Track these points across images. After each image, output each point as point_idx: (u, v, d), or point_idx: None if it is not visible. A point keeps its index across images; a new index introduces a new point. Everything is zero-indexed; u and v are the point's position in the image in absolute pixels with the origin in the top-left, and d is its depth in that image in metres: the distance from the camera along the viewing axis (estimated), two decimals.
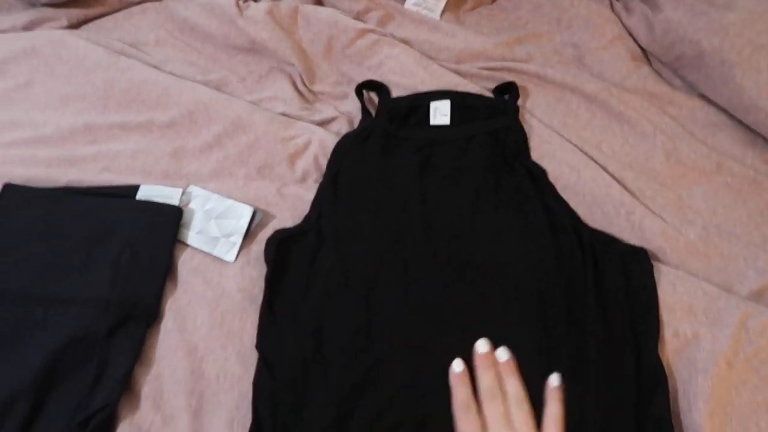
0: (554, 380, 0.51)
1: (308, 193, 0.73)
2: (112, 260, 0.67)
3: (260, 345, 0.63)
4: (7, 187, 0.73)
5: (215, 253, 0.69)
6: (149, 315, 0.65)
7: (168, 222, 0.70)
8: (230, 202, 0.72)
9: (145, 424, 0.59)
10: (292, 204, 0.73)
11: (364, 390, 0.60)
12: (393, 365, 0.61)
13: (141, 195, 0.72)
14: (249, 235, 0.70)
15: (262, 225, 0.71)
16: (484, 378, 0.50)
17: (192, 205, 0.72)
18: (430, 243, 0.68)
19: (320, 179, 0.74)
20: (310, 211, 0.71)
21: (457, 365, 0.52)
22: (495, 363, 0.51)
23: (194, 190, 0.73)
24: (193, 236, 0.70)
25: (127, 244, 0.68)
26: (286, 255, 0.68)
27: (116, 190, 0.73)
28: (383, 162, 0.73)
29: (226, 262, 0.69)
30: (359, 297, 0.65)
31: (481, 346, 0.52)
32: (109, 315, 0.63)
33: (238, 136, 0.77)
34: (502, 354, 0.52)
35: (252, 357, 0.62)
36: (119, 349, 0.62)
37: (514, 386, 0.50)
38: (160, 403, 0.61)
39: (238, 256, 0.69)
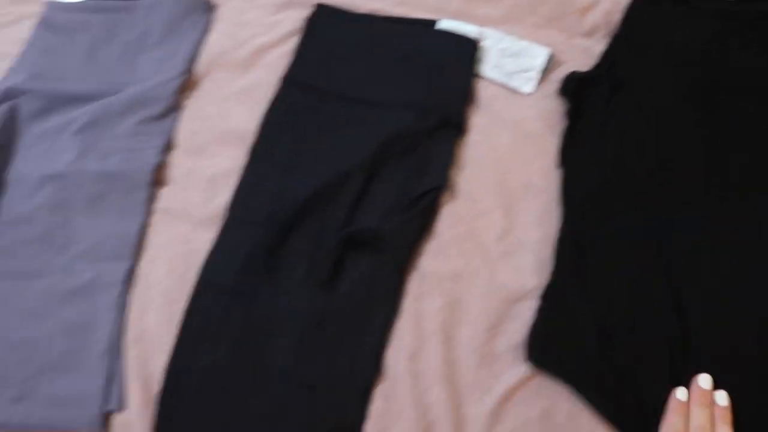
0: (722, 400, 0.53)
1: (596, 46, 0.77)
2: (423, 74, 0.74)
3: (564, 163, 0.69)
4: (321, 6, 0.80)
5: (512, 84, 0.75)
6: (458, 126, 0.72)
7: (468, 50, 0.76)
8: (525, 43, 0.77)
9: (462, 213, 0.67)
10: (580, 54, 0.77)
11: (671, 225, 0.64)
12: (687, 208, 0.65)
13: (439, 27, 0.79)
14: (543, 75, 0.76)
15: (552, 69, 0.77)
16: (700, 415, 0.52)
17: (486, 44, 0.78)
18: (730, 102, 0.70)
19: (608, 35, 0.78)
20: (601, 60, 0.75)
21: (681, 394, 0.54)
22: (712, 403, 0.53)
23: (487, 31, 0.79)
24: (488, 69, 0.76)
25: (434, 63, 0.75)
26: (581, 95, 0.73)
27: (416, 22, 0.80)
28: (677, 23, 0.76)
29: (523, 94, 0.75)
30: (654, 142, 0.69)
31: (704, 381, 0.55)
32: (426, 119, 0.71)
33: None
34: (722, 399, 0.54)
35: (555, 175, 0.69)
36: (437, 147, 0.70)
37: None
38: (473, 199, 0.68)
39: (535, 89, 0.75)
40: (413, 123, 0.71)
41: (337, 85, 0.75)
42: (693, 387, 0.55)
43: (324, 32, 0.79)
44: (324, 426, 0.60)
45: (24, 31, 0.85)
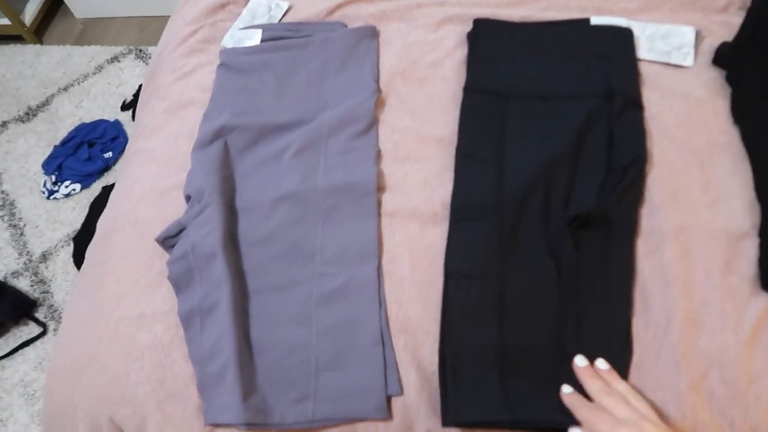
0: (602, 365, 0.62)
1: (733, 19, 0.87)
2: (594, 65, 0.83)
3: (739, 120, 0.78)
4: (480, 20, 0.90)
5: (672, 61, 0.84)
6: (637, 104, 0.80)
7: (627, 38, 0.86)
8: (668, 26, 0.87)
9: (663, 175, 0.75)
10: (720, 28, 0.87)
11: None
12: None
13: (594, 24, 0.88)
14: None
15: (699, 43, 0.86)
16: (593, 384, 0.59)
17: (633, 32, 0.87)
18: None
19: (743, 7, 0.88)
20: (743, 28, 0.85)
21: (566, 389, 0.61)
22: (595, 374, 0.61)
23: (630, 21, 0.88)
24: (644, 52, 0.85)
25: (601, 54, 0.84)
26: (735, 61, 0.82)
27: (569, 22, 0.89)
28: None
29: (684, 68, 0.84)
30: None
31: (580, 361, 0.62)
32: (612, 104, 0.79)
33: None
34: (603, 364, 0.62)
35: (733, 130, 0.78)
36: (627, 125, 0.78)
37: (623, 386, 0.59)
38: (669, 162, 0.76)
39: (694, 62, 0.84)
40: (603, 108, 0.80)
41: (518, 86, 0.83)
42: (576, 372, 0.62)
43: (489, 42, 0.88)
44: None
45: (203, 78, 0.93)
